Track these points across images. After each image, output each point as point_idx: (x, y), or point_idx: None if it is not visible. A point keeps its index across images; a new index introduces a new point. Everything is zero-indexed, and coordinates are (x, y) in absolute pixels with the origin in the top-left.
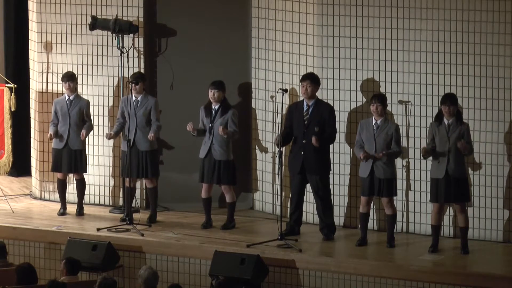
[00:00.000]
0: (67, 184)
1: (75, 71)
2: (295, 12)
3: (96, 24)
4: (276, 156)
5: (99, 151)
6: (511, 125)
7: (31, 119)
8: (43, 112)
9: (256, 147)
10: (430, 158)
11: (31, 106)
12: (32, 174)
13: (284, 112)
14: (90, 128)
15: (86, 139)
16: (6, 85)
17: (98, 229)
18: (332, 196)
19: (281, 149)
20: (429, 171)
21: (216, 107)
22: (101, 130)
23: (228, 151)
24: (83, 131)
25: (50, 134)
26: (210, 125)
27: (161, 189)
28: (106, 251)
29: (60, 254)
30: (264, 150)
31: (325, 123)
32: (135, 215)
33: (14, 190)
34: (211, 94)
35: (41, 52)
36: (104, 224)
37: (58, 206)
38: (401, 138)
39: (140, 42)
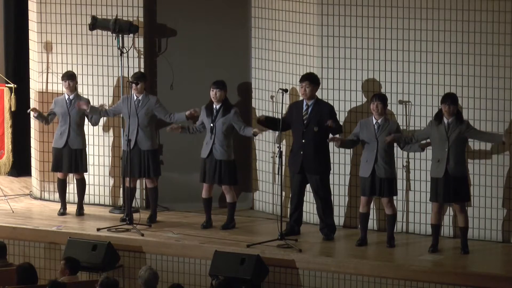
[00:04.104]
0: (67, 184)
1: (75, 71)
2: (295, 12)
3: (96, 24)
4: (276, 156)
5: (99, 151)
6: (511, 125)
7: (31, 119)
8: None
9: (256, 147)
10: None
11: (31, 106)
12: (32, 174)
13: (284, 112)
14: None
15: (86, 139)
16: (6, 85)
17: (98, 229)
18: (332, 196)
19: (281, 149)
20: (429, 171)
21: (218, 107)
22: (101, 130)
23: (229, 151)
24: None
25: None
26: (211, 124)
27: (162, 189)
28: (106, 251)
29: (60, 254)
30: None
31: (324, 123)
32: (135, 215)
33: (14, 190)
34: (213, 93)
35: (41, 52)
36: (104, 224)
37: (58, 206)
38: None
39: (140, 42)
